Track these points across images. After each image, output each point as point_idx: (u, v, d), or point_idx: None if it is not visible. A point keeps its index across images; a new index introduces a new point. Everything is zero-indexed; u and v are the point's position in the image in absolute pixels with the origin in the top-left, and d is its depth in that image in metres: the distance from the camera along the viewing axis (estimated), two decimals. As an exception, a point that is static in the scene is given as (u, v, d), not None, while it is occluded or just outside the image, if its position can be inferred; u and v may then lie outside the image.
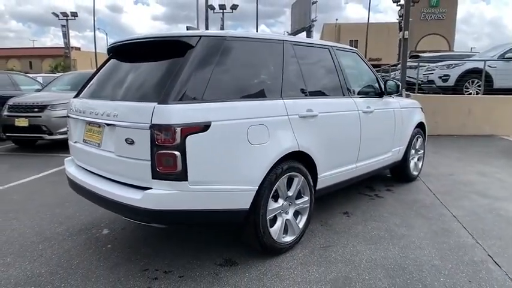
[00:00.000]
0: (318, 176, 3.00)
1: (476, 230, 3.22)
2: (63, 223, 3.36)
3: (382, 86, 3.91)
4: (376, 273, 2.49)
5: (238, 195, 2.36)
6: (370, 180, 4.69)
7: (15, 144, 7.43)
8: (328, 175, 3.12)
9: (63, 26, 24.12)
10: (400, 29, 23.98)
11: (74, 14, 24.60)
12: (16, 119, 6.40)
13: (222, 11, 23.10)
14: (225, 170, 2.29)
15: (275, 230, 2.65)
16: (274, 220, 2.69)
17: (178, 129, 2.06)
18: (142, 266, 2.60)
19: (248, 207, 2.43)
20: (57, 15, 24.28)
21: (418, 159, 4.86)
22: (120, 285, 2.35)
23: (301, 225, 2.88)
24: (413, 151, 4.68)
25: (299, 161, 2.78)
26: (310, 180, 2.90)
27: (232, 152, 2.31)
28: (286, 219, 2.76)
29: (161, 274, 2.48)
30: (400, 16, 24.99)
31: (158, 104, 2.09)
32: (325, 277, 2.44)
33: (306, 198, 2.90)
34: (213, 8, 22.60)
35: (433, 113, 8.43)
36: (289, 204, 2.80)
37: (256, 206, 2.47)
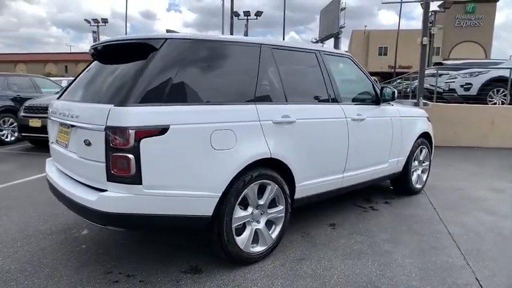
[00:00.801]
0: (296, 185, 2.89)
1: (470, 250, 2.98)
2: (48, 221, 3.43)
3: (379, 93, 3.73)
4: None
5: (198, 201, 2.30)
6: (368, 192, 4.50)
7: (31, 143, 7.75)
8: (308, 184, 3.00)
9: (94, 32, 25.21)
10: (428, 35, 23.29)
11: (105, 20, 25.70)
12: (30, 120, 6.70)
13: (246, 17, 23.25)
14: (184, 175, 2.24)
15: (242, 239, 2.56)
16: (243, 228, 2.61)
17: (132, 132, 2.04)
18: (108, 268, 2.59)
19: (211, 214, 2.36)
20: (89, 22, 25.45)
21: (422, 172, 4.60)
22: (80, 287, 2.35)
23: (274, 235, 2.77)
24: (416, 163, 4.44)
25: (273, 169, 2.69)
26: (286, 189, 2.79)
27: (193, 157, 2.26)
28: (257, 229, 2.66)
29: (123, 277, 2.46)
30: (430, 23, 24.23)
31: (115, 106, 2.08)
32: (288, 291, 2.33)
33: (281, 207, 2.80)
34: (237, 15, 22.79)
35: (452, 124, 8.05)
36: (261, 213, 2.70)
37: (220, 214, 2.40)
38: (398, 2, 19.95)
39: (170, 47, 2.30)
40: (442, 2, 18.03)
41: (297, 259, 2.77)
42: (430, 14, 24.81)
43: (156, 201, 2.16)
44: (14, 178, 5.01)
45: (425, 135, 4.51)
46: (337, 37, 20.10)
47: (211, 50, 2.51)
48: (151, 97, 2.15)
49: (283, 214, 2.81)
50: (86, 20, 25.87)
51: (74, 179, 2.45)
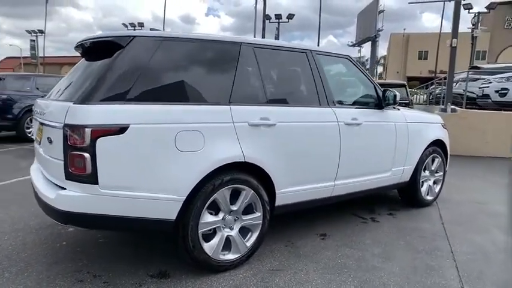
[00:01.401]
0: (276, 192, 2.74)
1: (470, 272, 2.68)
2: (39, 217, 3.49)
3: (381, 97, 3.48)
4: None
5: (160, 204, 2.22)
6: (372, 202, 4.24)
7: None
8: (291, 191, 2.83)
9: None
10: (472, 39, 21.94)
11: (141, 24, 26.73)
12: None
13: (277, 20, 23.12)
14: (144, 176, 2.17)
15: (211, 246, 2.45)
16: (214, 234, 2.50)
17: (88, 131, 2.00)
18: (79, 267, 2.57)
19: (174, 218, 2.27)
20: (126, 26, 26.54)
21: (434, 183, 4.26)
22: (45, 284, 2.35)
23: (249, 243, 2.64)
24: (426, 172, 4.11)
25: (249, 173, 2.56)
26: (264, 195, 2.65)
27: (155, 158, 2.18)
28: (229, 235, 2.54)
29: (89, 277, 2.43)
30: (473, 25, 22.85)
31: (73, 104, 2.06)
32: (250, 304, 2.19)
33: (258, 214, 2.66)
34: (269, 18, 22.75)
35: (483, 132, 7.47)
36: (235, 219, 2.58)
37: (185, 218, 2.31)
38: (426, 2, 19.00)
39: (137, 45, 2.25)
40: (489, 3, 16.97)
41: (272, 270, 2.61)
42: (474, 15, 23.41)
43: (113, 202, 2.11)
44: (23, 174, 5.19)
45: (438, 143, 4.17)
46: (374, 41, 19.50)
47: (182, 48, 2.43)
48: (113, 95, 2.11)
49: (260, 221, 2.67)
50: (123, 24, 27.06)
51: (45, 177, 2.46)
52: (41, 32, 30.55)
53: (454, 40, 7.54)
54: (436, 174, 4.25)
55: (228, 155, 2.41)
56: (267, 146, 2.62)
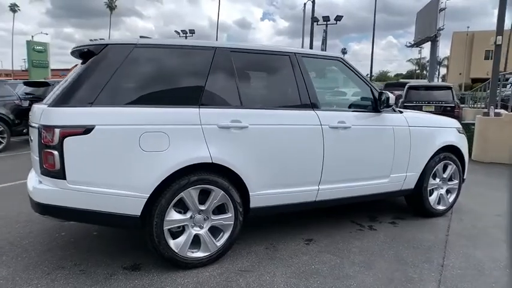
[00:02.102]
0: (250, 194, 2.76)
1: (452, 288, 2.48)
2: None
3: (377, 99, 3.34)
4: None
5: (124, 200, 2.37)
6: (376, 209, 4.05)
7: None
8: (268, 194, 2.84)
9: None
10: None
11: (192, 31, 28.06)
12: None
13: (325, 22, 22.81)
14: (110, 173, 2.34)
15: (177, 243, 2.55)
16: (182, 232, 2.60)
17: (57, 131, 2.22)
18: (67, 255, 2.82)
19: (139, 214, 2.41)
20: (178, 33, 28.05)
21: (448, 192, 3.96)
22: (31, 267, 2.61)
23: (220, 243, 2.70)
24: (437, 180, 3.84)
25: (219, 175, 2.62)
26: (236, 197, 2.70)
27: (119, 157, 2.34)
28: (198, 234, 2.62)
29: (70, 265, 2.66)
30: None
31: (47, 106, 2.29)
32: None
33: (229, 215, 2.71)
34: (316, 20, 22.54)
35: (531, 138, 6.72)
36: (205, 219, 2.66)
37: (151, 215, 2.44)
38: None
39: (109, 52, 2.44)
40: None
41: (240, 270, 2.65)
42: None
43: (81, 196, 2.30)
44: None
45: (452, 149, 3.88)
46: (434, 40, 18.43)
47: (153, 54, 2.58)
48: (80, 99, 2.31)
49: (232, 222, 2.72)
50: (175, 31, 28.63)
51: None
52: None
53: (499, 38, 6.87)
54: (449, 183, 3.95)
55: (193, 155, 2.50)
56: (238, 148, 2.67)
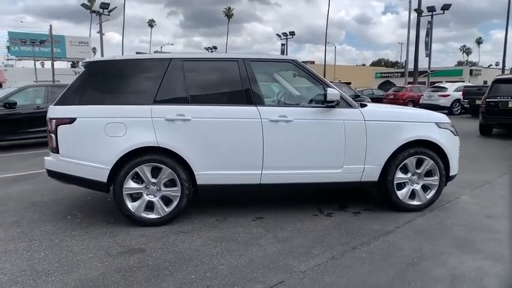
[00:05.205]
0: (195, 173, 3.47)
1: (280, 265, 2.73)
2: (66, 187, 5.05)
3: (326, 96, 3.62)
4: (163, 259, 2.88)
5: (96, 170, 3.36)
6: (352, 199, 4.22)
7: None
8: (212, 174, 3.50)
9: (282, 44, 28.99)
10: None
11: (292, 33, 29.03)
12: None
13: (430, 13, 20.86)
14: (86, 150, 3.37)
15: (134, 205, 3.43)
16: (138, 198, 3.47)
17: (53, 121, 3.35)
18: (53, 213, 3.98)
19: (105, 181, 3.38)
20: (279, 36, 29.48)
21: (424, 187, 3.87)
22: (15, 225, 3.85)
23: (169, 209, 3.48)
24: (408, 175, 3.82)
25: (167, 156, 3.41)
26: (182, 174, 3.44)
27: (92, 139, 3.36)
28: (151, 200, 3.46)
29: (52, 224, 3.79)
30: None
31: (52, 105, 3.46)
32: (121, 250, 3.05)
33: (177, 188, 3.47)
34: (420, 12, 20.83)
35: None
36: (157, 190, 3.48)
37: (113, 183, 3.39)
38: None
39: (91, 67, 3.49)
40: None
41: (179, 231, 3.38)
42: None
43: (69, 165, 3.40)
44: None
45: (429, 144, 3.79)
46: None
47: (122, 67, 3.53)
48: (71, 100, 3.41)
49: (178, 194, 3.47)
50: (277, 34, 30.15)
51: None
52: (215, 48, 37.02)
53: None
54: (426, 179, 3.86)
55: (143, 140, 3.35)
56: (182, 136, 3.41)
